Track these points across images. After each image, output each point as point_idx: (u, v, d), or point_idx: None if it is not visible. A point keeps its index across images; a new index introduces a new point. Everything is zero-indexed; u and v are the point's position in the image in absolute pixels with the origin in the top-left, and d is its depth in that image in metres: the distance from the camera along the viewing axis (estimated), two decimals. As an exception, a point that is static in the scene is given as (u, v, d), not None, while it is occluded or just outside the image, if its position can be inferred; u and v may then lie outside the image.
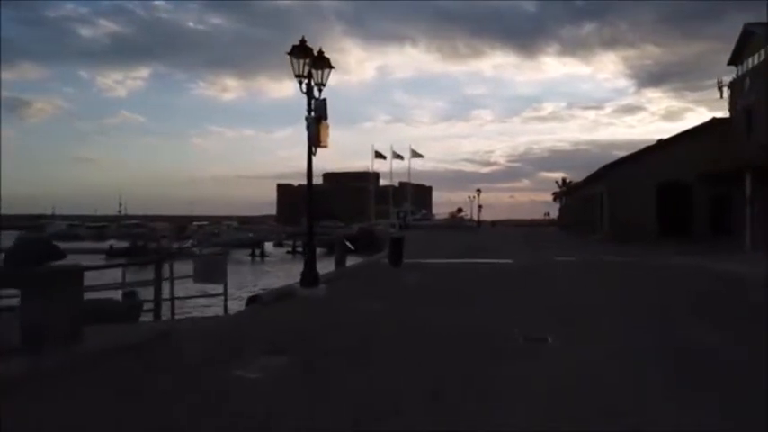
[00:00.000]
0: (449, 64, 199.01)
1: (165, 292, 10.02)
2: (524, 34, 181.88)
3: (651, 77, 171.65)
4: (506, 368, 5.75)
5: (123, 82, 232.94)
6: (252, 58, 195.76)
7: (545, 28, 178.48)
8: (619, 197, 34.15)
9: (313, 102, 10.40)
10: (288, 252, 50.68)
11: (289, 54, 10.07)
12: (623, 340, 7.10)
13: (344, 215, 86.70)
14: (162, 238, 46.95)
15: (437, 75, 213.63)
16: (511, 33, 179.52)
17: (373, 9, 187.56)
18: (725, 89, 34.96)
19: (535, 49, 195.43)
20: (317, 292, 10.24)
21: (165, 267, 10.23)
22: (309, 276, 10.45)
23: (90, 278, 8.36)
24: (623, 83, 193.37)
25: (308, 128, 10.19)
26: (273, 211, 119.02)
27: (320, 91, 10.51)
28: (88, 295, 8.15)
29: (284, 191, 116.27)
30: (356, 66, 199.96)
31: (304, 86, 10.32)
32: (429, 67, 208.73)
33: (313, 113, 10.34)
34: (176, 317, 10.08)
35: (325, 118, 10.42)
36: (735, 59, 34.21)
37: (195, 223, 75.29)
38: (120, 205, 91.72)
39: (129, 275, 11.53)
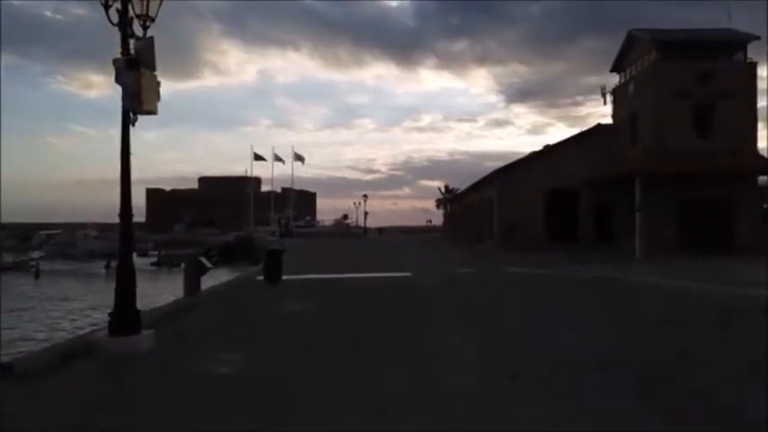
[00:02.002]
0: (332, 71, 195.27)
1: None
2: (403, 47, 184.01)
3: (518, 94, 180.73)
4: None
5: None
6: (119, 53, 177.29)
7: (422, 42, 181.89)
8: (509, 203, 33.08)
9: (132, 41, 6.56)
10: (152, 264, 44.71)
11: (86, -43, 6.20)
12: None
13: (223, 222, 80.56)
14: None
15: (320, 81, 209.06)
16: (391, 45, 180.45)
17: (252, 11, 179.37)
18: (608, 95, 35.14)
19: (413, 61, 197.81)
20: (135, 346, 6.14)
21: None
22: (124, 317, 6.39)
23: None
24: (494, 98, 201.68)
25: (119, 78, 6.31)
26: (142, 218, 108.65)
27: (146, 28, 6.71)
28: None
29: (154, 196, 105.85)
30: (236, 68, 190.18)
31: (114, 14, 6.42)
32: (312, 74, 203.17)
33: (132, 55, 6.47)
34: None
35: (153, 69, 6.61)
36: (617, 66, 34.42)
37: (43, 232, 65.67)
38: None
39: None
